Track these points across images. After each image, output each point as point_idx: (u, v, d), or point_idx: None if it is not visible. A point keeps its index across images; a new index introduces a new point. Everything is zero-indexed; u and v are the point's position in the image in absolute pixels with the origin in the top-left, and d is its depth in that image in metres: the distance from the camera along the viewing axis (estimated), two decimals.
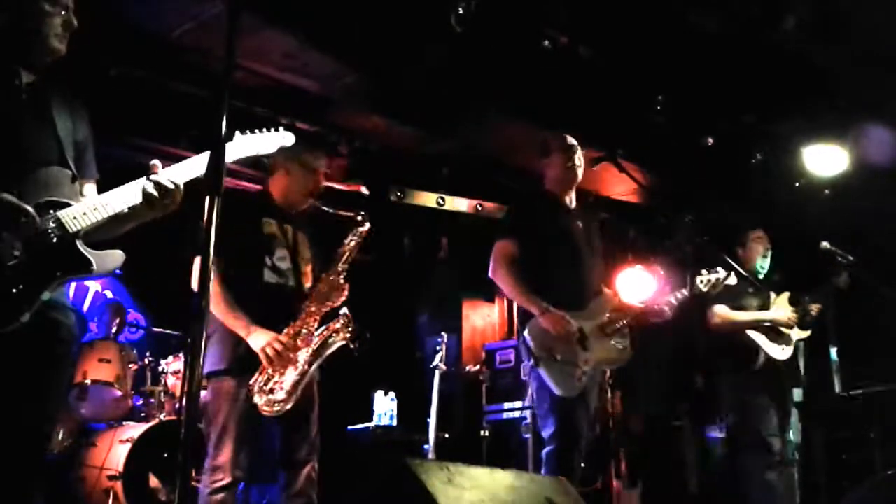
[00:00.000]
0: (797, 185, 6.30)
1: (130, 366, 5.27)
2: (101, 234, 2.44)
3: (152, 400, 5.29)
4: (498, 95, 5.49)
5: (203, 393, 3.43)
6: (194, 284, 3.48)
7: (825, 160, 6.08)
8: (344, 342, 3.40)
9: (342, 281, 3.49)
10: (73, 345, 2.50)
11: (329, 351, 3.39)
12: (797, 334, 5.09)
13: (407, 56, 4.95)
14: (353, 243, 3.53)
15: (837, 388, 6.81)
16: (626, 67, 5.23)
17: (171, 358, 5.37)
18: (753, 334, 4.96)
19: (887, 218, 6.12)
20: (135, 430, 4.84)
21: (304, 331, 3.36)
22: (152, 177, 2.43)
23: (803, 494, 5.28)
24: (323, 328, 3.41)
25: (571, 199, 4.25)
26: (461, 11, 4.43)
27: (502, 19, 4.70)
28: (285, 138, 2.91)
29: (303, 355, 3.33)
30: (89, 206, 2.39)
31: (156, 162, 2.46)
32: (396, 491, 2.72)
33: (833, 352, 6.91)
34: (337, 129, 5.98)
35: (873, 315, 6.30)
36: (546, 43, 4.79)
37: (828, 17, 4.80)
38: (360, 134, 6.07)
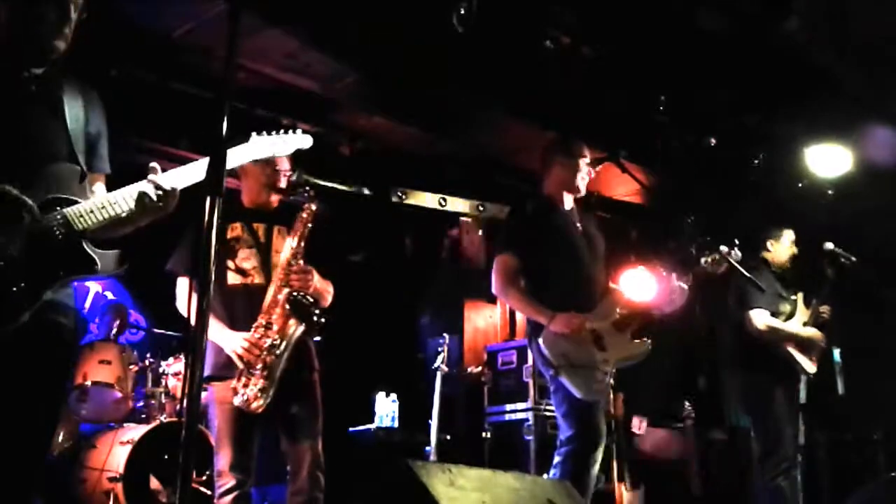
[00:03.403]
0: (800, 185, 6.29)
1: (131, 367, 5.26)
2: (103, 235, 2.39)
3: (153, 401, 5.27)
4: (500, 96, 5.48)
5: (204, 395, 3.43)
6: (179, 305, 3.54)
7: (828, 160, 6.07)
8: (303, 328, 3.34)
9: (302, 264, 3.42)
10: (73, 347, 2.47)
11: (292, 338, 3.32)
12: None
13: (408, 56, 4.94)
14: (303, 224, 3.46)
15: (840, 390, 6.80)
16: (628, 67, 5.22)
17: (171, 359, 5.36)
18: (789, 347, 4.94)
19: (891, 218, 6.11)
20: (135, 431, 4.82)
21: (271, 322, 3.34)
22: (151, 177, 2.39)
23: (806, 497, 5.26)
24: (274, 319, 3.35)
25: (569, 202, 4.23)
26: (463, 11, 4.41)
27: (504, 19, 4.68)
28: (303, 141, 2.87)
29: (268, 347, 3.30)
30: (96, 204, 2.34)
31: (154, 165, 2.42)
32: (398, 493, 2.71)
33: (836, 353, 6.90)
34: (339, 130, 5.97)
35: (875, 315, 6.29)
36: (548, 43, 4.78)
37: (831, 18, 4.78)
38: (362, 134, 6.06)
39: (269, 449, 3.50)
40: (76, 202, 2.33)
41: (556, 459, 3.87)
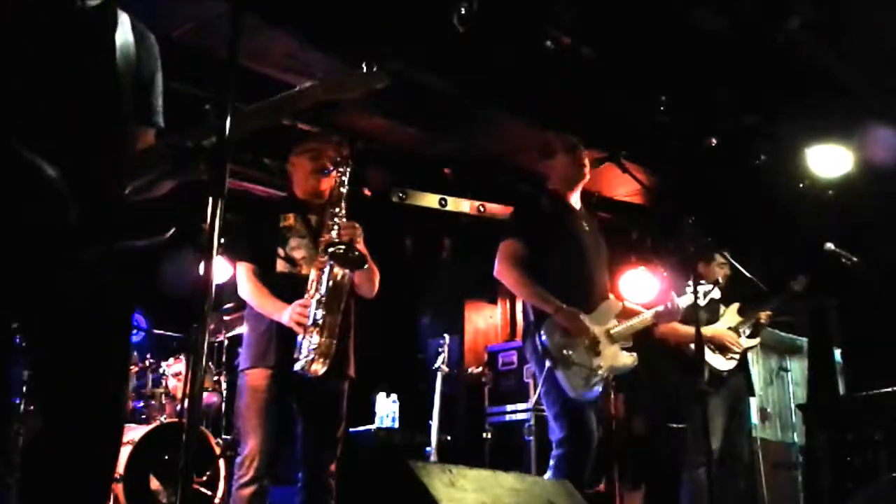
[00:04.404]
0: (801, 185, 6.29)
1: (131, 367, 5.25)
2: (138, 195, 2.15)
3: (153, 402, 5.27)
4: (500, 96, 5.48)
5: (205, 395, 3.42)
6: (241, 292, 3.50)
7: (829, 161, 6.06)
8: (348, 272, 3.33)
9: (345, 220, 3.40)
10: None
11: (340, 285, 3.31)
12: (746, 342, 5.04)
13: (408, 56, 4.93)
14: (340, 179, 3.47)
15: (841, 390, 6.80)
16: (629, 67, 5.22)
17: (171, 360, 5.35)
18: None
19: (891, 218, 6.10)
20: (135, 432, 4.82)
21: (321, 283, 3.32)
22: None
23: (806, 497, 5.26)
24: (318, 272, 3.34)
25: (576, 200, 4.23)
26: (463, 11, 4.41)
27: (504, 19, 4.68)
28: (374, 78, 2.45)
29: (317, 301, 3.29)
30: (137, 161, 2.13)
31: (208, 107, 2.22)
32: (398, 493, 2.70)
33: (837, 353, 6.90)
34: (339, 130, 5.97)
35: (877, 316, 6.29)
36: (549, 43, 4.78)
37: (832, 17, 4.78)
38: (363, 135, 6.06)
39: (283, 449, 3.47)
40: (122, 155, 2.10)
41: (551, 463, 3.85)
